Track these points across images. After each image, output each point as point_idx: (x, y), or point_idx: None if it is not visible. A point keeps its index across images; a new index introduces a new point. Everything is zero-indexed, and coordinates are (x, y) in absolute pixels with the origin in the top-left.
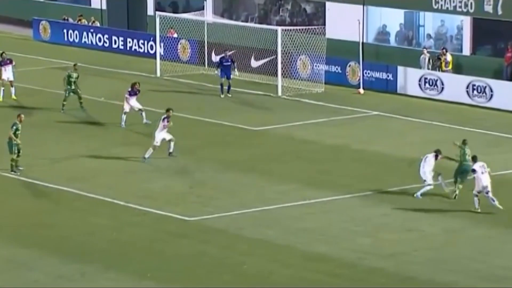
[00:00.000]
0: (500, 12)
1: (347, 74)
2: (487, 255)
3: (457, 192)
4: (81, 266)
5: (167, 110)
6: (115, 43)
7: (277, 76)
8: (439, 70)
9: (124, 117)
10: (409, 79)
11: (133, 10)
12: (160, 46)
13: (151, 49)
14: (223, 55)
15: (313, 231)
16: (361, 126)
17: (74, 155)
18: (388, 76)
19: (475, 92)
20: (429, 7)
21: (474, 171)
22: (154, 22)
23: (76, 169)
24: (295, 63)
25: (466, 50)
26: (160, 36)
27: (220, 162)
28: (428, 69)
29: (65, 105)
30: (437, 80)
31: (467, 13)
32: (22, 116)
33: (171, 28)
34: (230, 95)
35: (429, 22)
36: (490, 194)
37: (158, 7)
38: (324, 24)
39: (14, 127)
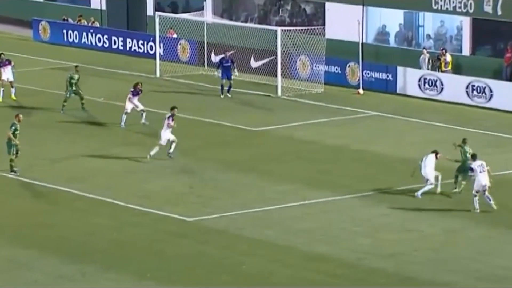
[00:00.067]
0: (499, 13)
1: (347, 74)
2: (487, 255)
3: (457, 190)
4: (81, 266)
5: (172, 109)
6: (114, 43)
7: (276, 76)
8: (438, 71)
9: (124, 117)
10: (408, 79)
11: (132, 11)
12: (160, 47)
13: (151, 49)
14: (222, 56)
15: (313, 231)
16: (361, 126)
17: (74, 155)
18: (387, 76)
19: (474, 92)
20: (428, 8)
21: (471, 169)
22: (154, 22)
23: (76, 169)
24: (295, 64)
25: (466, 51)
26: (159, 36)
27: (220, 162)
28: (428, 69)
29: (65, 105)
30: (436, 80)
31: (466, 14)
32: (21, 116)
33: (171, 28)
34: (230, 95)
35: (429, 22)
36: (487, 193)
37: (158, 8)
38: (324, 25)
39: (13, 127)
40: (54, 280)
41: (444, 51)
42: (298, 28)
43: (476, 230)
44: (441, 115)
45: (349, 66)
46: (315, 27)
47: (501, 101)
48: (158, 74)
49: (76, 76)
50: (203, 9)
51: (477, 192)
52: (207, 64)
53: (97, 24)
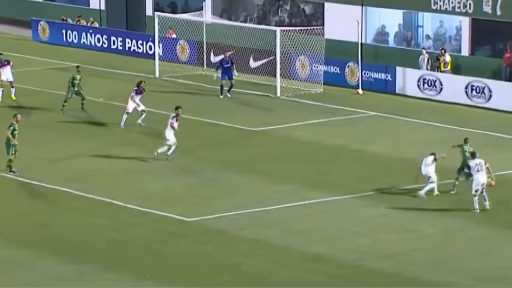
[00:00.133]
0: (499, 13)
1: (346, 74)
2: (486, 255)
3: (453, 191)
4: (80, 267)
5: (176, 108)
6: (113, 43)
7: (276, 76)
8: (437, 71)
9: (125, 117)
10: (408, 79)
11: (131, 11)
12: (159, 47)
13: (150, 49)
14: (222, 57)
15: (312, 232)
16: (360, 126)
17: (73, 155)
18: (387, 76)
19: (473, 92)
20: (428, 8)
21: (468, 167)
22: (153, 22)
23: (75, 169)
24: (294, 64)
25: (465, 51)
26: (158, 36)
27: (219, 162)
28: (427, 69)
29: (65, 105)
30: (435, 80)
31: (466, 14)
32: (19, 116)
33: (170, 28)
34: (229, 95)
35: (428, 22)
36: (484, 192)
37: (157, 8)
38: (323, 25)
39: (11, 128)
40: (52, 280)
41: (443, 51)
42: (297, 28)
43: (475, 230)
44: (440, 115)
45: (348, 66)
46: (314, 27)
47: (500, 101)
48: (157, 74)
49: (78, 76)
50: (202, 9)
51: (476, 191)
52: (206, 64)
53: (96, 24)
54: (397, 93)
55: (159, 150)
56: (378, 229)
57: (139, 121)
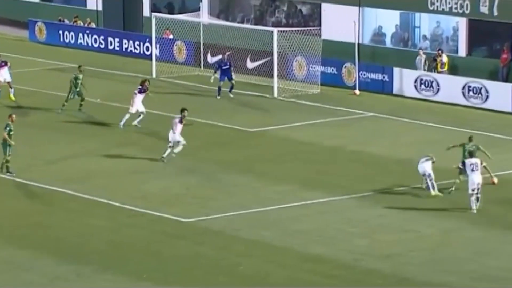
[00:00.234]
0: (495, 13)
1: (343, 75)
2: (483, 256)
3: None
4: (78, 267)
5: (182, 111)
6: (110, 44)
7: (273, 77)
8: (434, 71)
9: (126, 116)
10: (405, 80)
11: (128, 11)
12: (156, 47)
13: (147, 50)
14: (221, 58)
15: (310, 232)
16: (357, 127)
17: (71, 156)
18: (384, 77)
19: (470, 93)
20: (424, 8)
21: (463, 164)
22: (150, 23)
23: (73, 170)
24: (291, 64)
25: (462, 51)
26: (155, 37)
27: (216, 163)
28: (424, 70)
29: (65, 105)
30: (432, 81)
31: (462, 14)
32: (14, 116)
33: (167, 29)
34: (232, 96)
35: (425, 23)
36: (478, 193)
37: (154, 8)
38: (320, 25)
39: (8, 128)
40: (51, 280)
41: (440, 52)
42: (294, 29)
43: (472, 230)
44: (437, 116)
45: (345, 67)
46: (311, 28)
47: (497, 102)
48: (154, 75)
49: (81, 76)
50: (199, 10)
51: (472, 190)
52: (203, 65)
53: (93, 25)
54: (394, 93)
55: (176, 151)
56: (376, 229)
57: (135, 122)
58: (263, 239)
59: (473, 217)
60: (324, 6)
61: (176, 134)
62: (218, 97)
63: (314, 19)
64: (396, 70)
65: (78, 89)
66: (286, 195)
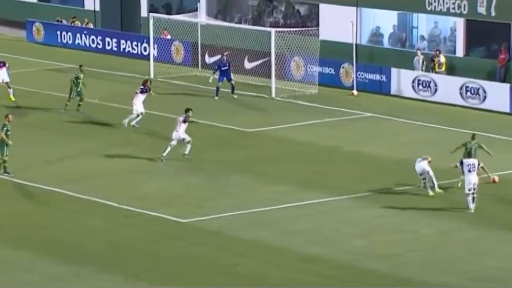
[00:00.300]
0: (493, 14)
1: (341, 75)
2: (481, 256)
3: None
4: (76, 268)
5: (187, 111)
6: (108, 44)
7: (270, 77)
8: (432, 72)
9: (132, 117)
10: (402, 80)
11: (126, 12)
12: (154, 48)
13: (145, 50)
14: (220, 59)
15: (307, 233)
16: (355, 127)
17: (69, 156)
18: (381, 77)
19: (468, 93)
20: (422, 9)
21: (461, 163)
22: (148, 23)
23: (70, 170)
24: (289, 65)
25: (460, 52)
26: (153, 37)
27: (214, 163)
28: (422, 70)
29: (68, 105)
30: (430, 81)
31: (460, 15)
32: (10, 116)
33: (165, 29)
34: (236, 97)
35: (423, 23)
36: (474, 193)
37: (152, 9)
38: (318, 26)
39: (5, 128)
40: (49, 281)
41: (438, 52)
42: (292, 29)
43: (470, 231)
44: (435, 116)
45: (343, 67)
46: (309, 28)
47: (495, 102)
48: (152, 76)
49: (82, 76)
50: (197, 10)
51: (469, 190)
52: (201, 65)
53: (91, 25)
54: (391, 94)
55: (186, 152)
56: (374, 229)
57: (133, 122)
58: (261, 239)
59: (471, 217)
60: (322, 6)
61: (179, 132)
62: (216, 98)
63: (311, 19)
64: (393, 71)
65: (79, 89)
66: (284, 195)
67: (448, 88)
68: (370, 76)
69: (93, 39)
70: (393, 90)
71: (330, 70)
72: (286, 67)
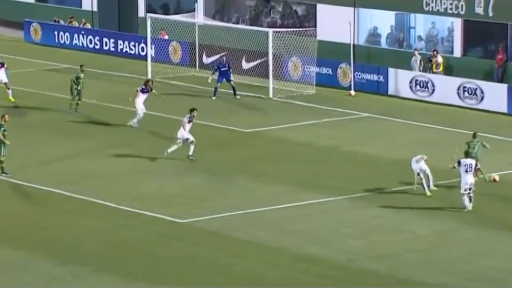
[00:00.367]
0: (490, 14)
1: (338, 76)
2: (478, 256)
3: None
4: (74, 268)
5: (191, 110)
6: (106, 45)
7: (268, 78)
8: (430, 72)
9: (139, 116)
10: (400, 81)
11: (124, 12)
12: (151, 48)
13: (142, 51)
14: (220, 59)
15: (304, 233)
16: (353, 128)
17: (67, 156)
18: (379, 78)
19: (466, 94)
20: (420, 9)
21: (459, 163)
22: (145, 24)
23: (68, 170)
24: (286, 65)
25: (457, 52)
26: (151, 38)
27: (212, 164)
28: (419, 71)
29: (72, 104)
30: (428, 82)
31: (458, 15)
32: (6, 116)
33: (162, 30)
34: (239, 97)
35: (420, 24)
36: (471, 193)
37: (149, 9)
38: (315, 26)
39: (2, 129)
40: (46, 281)
41: (435, 52)
42: (289, 29)
43: (467, 231)
44: (433, 116)
45: (340, 68)
46: (307, 29)
47: (492, 102)
48: (149, 76)
49: (82, 76)
50: (194, 10)
51: (465, 190)
52: (199, 65)
53: (88, 26)
54: (389, 94)
55: (190, 152)
56: (371, 230)
57: (131, 122)
58: (259, 240)
59: (469, 218)
60: (319, 6)
61: (184, 132)
62: (214, 98)
63: (309, 19)
64: (391, 71)
65: (78, 88)
66: (282, 196)
67: (446, 88)
68: (368, 77)
69: (90, 40)
70: (390, 91)
71: (327, 71)
72: (284, 67)
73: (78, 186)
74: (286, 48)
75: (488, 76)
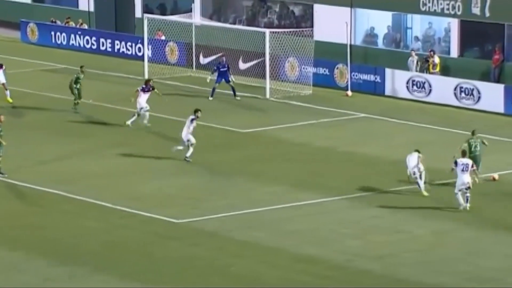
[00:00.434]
0: (487, 14)
1: (335, 76)
2: (476, 256)
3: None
4: (71, 269)
5: (196, 111)
6: (103, 45)
7: (265, 78)
8: (426, 72)
9: (147, 115)
10: (397, 81)
11: (121, 12)
12: (148, 48)
13: (139, 51)
14: (219, 60)
15: (302, 233)
16: (350, 128)
17: (64, 157)
18: (376, 78)
19: (462, 94)
20: (416, 10)
21: (456, 163)
22: (142, 24)
23: (65, 171)
24: (283, 65)
25: (454, 52)
26: (148, 38)
27: (209, 164)
28: (416, 71)
29: (75, 104)
30: (424, 82)
31: (454, 16)
32: (2, 117)
33: (159, 30)
34: (238, 98)
35: (417, 24)
36: (468, 193)
37: (146, 9)
38: (312, 26)
39: None
40: (44, 282)
41: (432, 53)
42: (286, 30)
43: (465, 231)
44: (429, 116)
45: (337, 68)
46: (304, 29)
47: (489, 102)
48: (146, 76)
49: (82, 76)
50: (191, 11)
51: (459, 190)
52: (196, 66)
53: (85, 26)
54: (386, 94)
55: (188, 154)
56: (369, 230)
57: (129, 122)
58: (256, 240)
59: (466, 218)
60: (316, 7)
61: (188, 132)
62: (211, 98)
63: (306, 20)
64: (388, 71)
65: (78, 87)
66: (279, 196)
67: (443, 88)
68: (365, 77)
69: (87, 40)
70: (387, 91)
71: (324, 71)
72: (281, 67)
73: (75, 186)
74: (283, 49)
75: (485, 77)
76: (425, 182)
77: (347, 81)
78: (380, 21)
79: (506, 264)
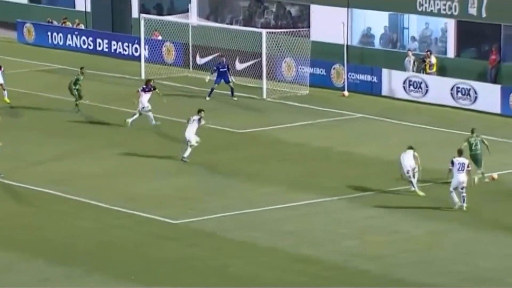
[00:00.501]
0: (484, 15)
1: (332, 76)
2: (472, 256)
3: (476, 180)
4: (67, 269)
5: (199, 111)
6: (99, 45)
7: (262, 78)
8: (423, 73)
9: (151, 115)
10: (393, 81)
11: (117, 13)
12: (145, 49)
13: (136, 51)
14: (219, 61)
15: (299, 234)
16: (346, 128)
17: (60, 157)
18: (372, 78)
19: (459, 94)
20: (413, 10)
21: (452, 163)
22: (139, 24)
23: (61, 171)
24: (280, 66)
25: (451, 53)
26: (144, 38)
27: (206, 164)
28: (413, 71)
29: (77, 105)
30: (421, 82)
31: (451, 16)
32: (0, 117)
33: (156, 30)
34: (236, 99)
35: (414, 24)
36: (464, 193)
37: (143, 10)
38: (309, 27)
39: None
40: (40, 282)
41: (429, 53)
42: (283, 30)
43: (461, 231)
44: (426, 117)
45: (334, 68)
46: (300, 29)
47: (486, 103)
48: (143, 76)
49: (82, 78)
50: (188, 11)
51: (454, 189)
52: (192, 66)
53: (82, 26)
54: (383, 95)
55: (185, 154)
56: (366, 230)
57: (129, 120)
58: (253, 240)
59: (463, 218)
60: (313, 7)
61: (190, 132)
62: (208, 98)
63: (302, 20)
64: (384, 71)
65: (77, 88)
66: (275, 197)
67: (439, 89)
68: (361, 77)
69: (84, 40)
70: (384, 91)
71: (321, 71)
72: (277, 68)
73: (72, 187)
74: (279, 49)
75: (482, 77)
76: (417, 181)
77: (343, 81)
78: (376, 21)
79: (504, 265)
